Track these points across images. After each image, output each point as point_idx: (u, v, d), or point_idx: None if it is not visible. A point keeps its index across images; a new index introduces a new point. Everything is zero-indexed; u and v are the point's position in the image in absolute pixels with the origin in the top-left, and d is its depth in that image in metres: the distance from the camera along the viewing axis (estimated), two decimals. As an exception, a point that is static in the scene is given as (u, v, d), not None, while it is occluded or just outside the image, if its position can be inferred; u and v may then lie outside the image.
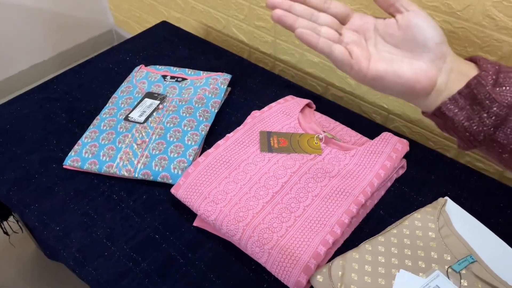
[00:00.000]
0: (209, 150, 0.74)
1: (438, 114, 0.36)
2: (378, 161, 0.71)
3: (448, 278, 0.59)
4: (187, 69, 0.95)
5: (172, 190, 0.70)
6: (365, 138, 0.78)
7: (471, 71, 0.36)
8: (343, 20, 0.40)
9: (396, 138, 0.75)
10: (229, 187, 0.68)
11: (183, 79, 0.92)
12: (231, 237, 0.63)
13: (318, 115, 0.83)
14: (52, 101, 0.92)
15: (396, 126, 1.01)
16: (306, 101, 0.84)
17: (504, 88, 0.33)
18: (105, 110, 0.86)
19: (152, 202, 0.73)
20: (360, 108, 1.07)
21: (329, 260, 0.63)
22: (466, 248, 0.62)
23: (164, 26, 1.18)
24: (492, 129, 0.34)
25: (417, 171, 0.76)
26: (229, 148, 0.74)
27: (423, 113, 0.39)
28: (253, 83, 0.97)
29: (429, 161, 0.78)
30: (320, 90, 1.12)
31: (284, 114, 0.81)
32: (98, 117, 0.85)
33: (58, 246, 0.66)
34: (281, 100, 0.84)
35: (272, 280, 0.62)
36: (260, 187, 0.67)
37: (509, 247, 0.62)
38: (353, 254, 0.63)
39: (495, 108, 0.33)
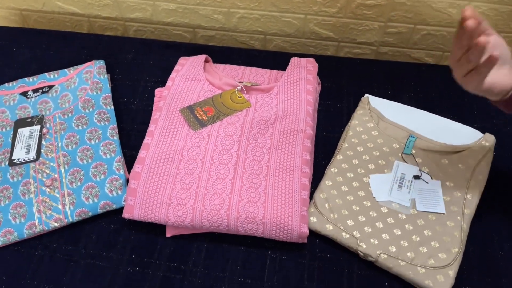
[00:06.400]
0: (141, 155, 0.64)
1: None
2: (301, 89, 0.72)
3: (406, 162, 0.67)
4: (46, 74, 0.77)
5: (125, 215, 0.61)
6: (275, 71, 0.77)
7: None
8: None
9: (303, 59, 0.76)
10: (186, 182, 0.62)
11: (50, 87, 0.75)
12: (217, 228, 0.60)
13: (221, 66, 0.78)
14: None
15: (276, 44, 1.02)
16: (203, 57, 0.77)
17: None
18: (-26, 165, 0.67)
19: (107, 238, 0.63)
20: (236, 40, 1.03)
21: (310, 201, 0.65)
22: (405, 130, 0.70)
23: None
24: None
25: (328, 81, 0.80)
26: (160, 142, 0.66)
27: (494, 102, 0.56)
28: (130, 59, 0.84)
29: (332, 68, 0.82)
30: (188, 37, 1.04)
31: (190, 80, 0.74)
32: (-29, 178, 0.65)
33: None
34: (177, 67, 0.76)
35: (274, 245, 0.62)
36: (217, 167, 0.63)
37: (431, 114, 0.72)
38: (326, 183, 0.66)
39: None
